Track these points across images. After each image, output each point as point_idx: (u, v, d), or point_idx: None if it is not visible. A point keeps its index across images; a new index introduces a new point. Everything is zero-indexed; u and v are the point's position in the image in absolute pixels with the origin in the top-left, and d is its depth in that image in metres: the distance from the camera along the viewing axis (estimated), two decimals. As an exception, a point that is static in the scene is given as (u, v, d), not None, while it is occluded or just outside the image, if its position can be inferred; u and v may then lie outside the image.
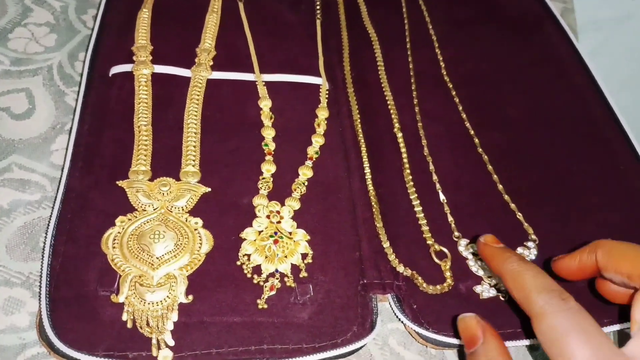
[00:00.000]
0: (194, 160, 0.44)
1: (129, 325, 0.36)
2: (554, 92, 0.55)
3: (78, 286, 0.37)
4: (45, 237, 0.39)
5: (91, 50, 0.50)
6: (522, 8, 0.64)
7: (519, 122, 0.52)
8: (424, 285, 0.41)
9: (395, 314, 0.42)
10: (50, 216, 0.40)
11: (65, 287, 0.37)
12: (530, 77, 0.56)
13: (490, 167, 0.49)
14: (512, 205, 0.47)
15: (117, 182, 0.42)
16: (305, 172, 0.46)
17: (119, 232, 0.40)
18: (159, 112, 0.47)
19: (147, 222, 0.40)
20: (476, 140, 0.51)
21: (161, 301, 0.37)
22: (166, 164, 0.44)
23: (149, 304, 0.37)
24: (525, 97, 0.55)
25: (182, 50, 0.52)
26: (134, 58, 0.50)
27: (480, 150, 0.50)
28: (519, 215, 0.46)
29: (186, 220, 0.41)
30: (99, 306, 0.37)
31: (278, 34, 0.57)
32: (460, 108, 0.54)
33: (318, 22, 0.60)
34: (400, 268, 0.42)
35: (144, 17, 0.53)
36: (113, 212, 0.41)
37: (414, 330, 0.41)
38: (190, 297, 0.38)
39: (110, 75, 0.49)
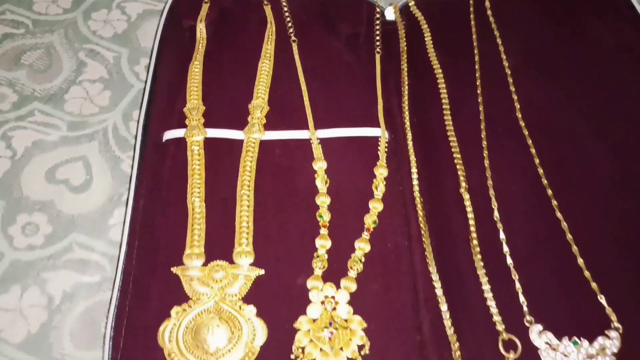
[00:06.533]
0: (246, 239, 0.43)
1: None
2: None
3: (138, 383, 0.38)
4: (106, 327, 0.40)
5: (144, 112, 0.49)
6: (622, 34, 0.55)
7: (608, 182, 0.46)
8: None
9: (458, 406, 0.40)
10: (110, 304, 0.40)
11: (126, 384, 0.38)
12: (628, 129, 0.49)
13: (569, 236, 0.44)
14: (594, 285, 0.42)
15: (172, 269, 0.42)
16: (362, 247, 0.44)
17: (174, 325, 0.39)
18: (212, 183, 0.46)
19: (201, 313, 0.40)
20: (554, 202, 0.46)
21: (217, 400, 0.37)
22: (220, 243, 0.43)
23: (205, 402, 0.37)
24: (618, 153, 0.48)
25: (234, 107, 0.50)
26: (186, 122, 0.48)
27: (558, 215, 0.45)
28: (601, 297, 0.42)
29: (240, 309, 0.40)
30: (159, 404, 0.37)
31: (335, 78, 0.53)
32: (538, 162, 0.48)
33: (377, 56, 0.56)
34: None
35: (195, 71, 0.51)
36: (169, 300, 0.41)
37: None
38: (246, 395, 0.38)
39: (163, 140, 0.48)
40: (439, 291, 0.43)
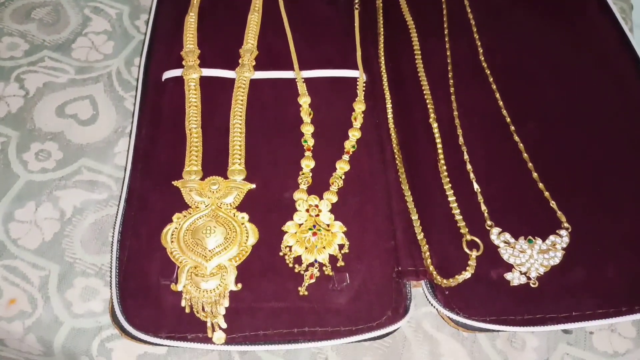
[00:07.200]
0: (239, 159, 0.48)
1: (187, 310, 0.42)
2: (595, 80, 0.54)
3: (143, 277, 0.43)
4: (113, 233, 0.45)
5: (144, 57, 0.55)
6: None
7: (557, 111, 0.52)
8: (444, 281, 0.44)
9: (427, 299, 0.45)
10: (117, 214, 0.45)
11: (132, 278, 0.43)
12: (571, 64, 0.55)
13: (525, 155, 0.50)
14: (546, 194, 0.48)
15: (173, 182, 0.47)
16: (342, 166, 0.49)
17: (176, 228, 0.44)
18: (208, 114, 0.51)
19: (200, 218, 0.45)
20: (512, 128, 0.52)
21: (214, 289, 0.42)
22: (215, 163, 0.48)
23: (203, 291, 0.42)
24: (564, 86, 0.54)
25: (227, 51, 0.56)
26: (183, 63, 0.54)
27: (516, 138, 0.51)
28: (552, 203, 0.47)
29: (234, 216, 0.46)
30: (161, 294, 0.42)
31: (317, 30, 0.59)
32: (498, 96, 0.54)
33: (356, 12, 0.62)
34: (427, 263, 0.45)
35: (191, 21, 0.57)
36: (170, 210, 0.46)
37: (446, 315, 0.44)
38: (239, 285, 0.43)
39: (162, 80, 0.54)
40: (410, 204, 0.48)
